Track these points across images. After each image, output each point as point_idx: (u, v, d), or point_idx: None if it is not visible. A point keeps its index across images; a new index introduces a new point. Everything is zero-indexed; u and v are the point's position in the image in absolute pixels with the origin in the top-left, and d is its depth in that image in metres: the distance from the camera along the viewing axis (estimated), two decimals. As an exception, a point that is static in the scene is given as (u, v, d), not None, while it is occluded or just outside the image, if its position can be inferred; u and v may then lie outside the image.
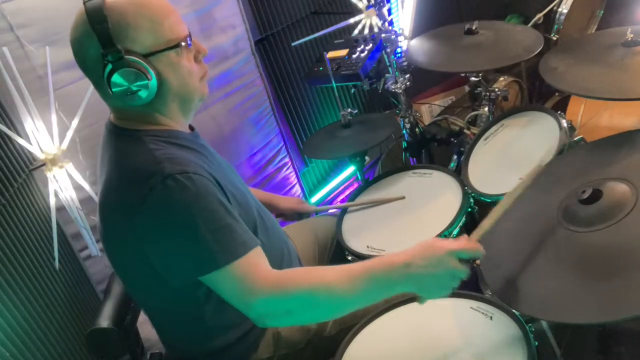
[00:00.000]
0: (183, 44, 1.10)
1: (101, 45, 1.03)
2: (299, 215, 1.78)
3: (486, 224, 1.10)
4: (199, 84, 1.16)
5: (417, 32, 2.59)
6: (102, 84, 1.07)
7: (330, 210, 1.90)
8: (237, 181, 1.28)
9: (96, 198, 1.68)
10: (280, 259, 1.34)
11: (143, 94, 1.06)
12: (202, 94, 1.18)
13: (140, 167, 1.06)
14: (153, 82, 1.06)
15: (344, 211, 1.75)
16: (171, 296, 1.16)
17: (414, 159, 2.29)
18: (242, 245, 1.05)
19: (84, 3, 1.04)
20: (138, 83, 1.05)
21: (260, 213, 1.31)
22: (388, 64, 2.08)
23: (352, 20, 2.40)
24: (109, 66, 1.03)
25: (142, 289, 1.21)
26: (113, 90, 1.05)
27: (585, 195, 1.06)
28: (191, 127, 1.26)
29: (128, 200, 1.05)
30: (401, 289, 1.07)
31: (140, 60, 1.05)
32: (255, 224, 1.22)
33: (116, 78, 1.04)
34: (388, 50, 2.03)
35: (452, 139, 2.21)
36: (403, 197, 1.70)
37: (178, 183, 1.02)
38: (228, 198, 1.11)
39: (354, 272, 1.05)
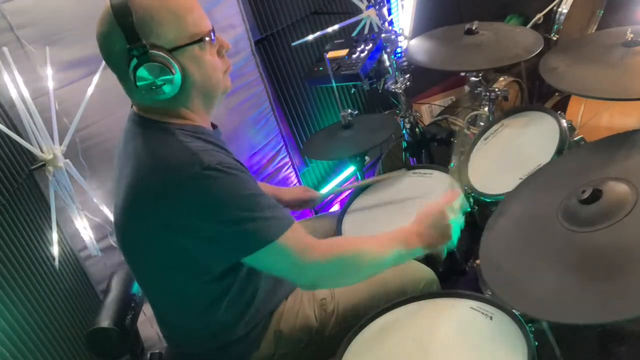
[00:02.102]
0: (207, 38, 1.11)
1: (126, 40, 1.03)
2: (305, 204, 1.78)
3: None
4: (222, 78, 1.17)
5: (417, 32, 2.59)
6: (126, 77, 1.07)
7: (330, 196, 1.89)
8: None
9: (96, 198, 1.70)
10: None
11: (167, 88, 1.07)
12: (225, 87, 1.19)
13: (176, 157, 1.06)
14: (177, 76, 1.07)
15: (344, 211, 1.75)
16: (188, 290, 1.18)
17: (414, 159, 2.29)
18: (288, 219, 1.12)
19: None
20: (162, 77, 1.05)
21: None
22: (388, 64, 2.08)
23: (352, 20, 2.40)
24: (134, 60, 1.04)
25: (159, 281, 1.21)
26: (138, 84, 1.06)
27: (586, 195, 1.06)
28: (213, 125, 1.26)
29: (164, 191, 1.05)
30: (418, 252, 1.27)
31: (165, 55, 1.05)
32: None
33: (141, 72, 1.04)
34: (388, 50, 2.03)
35: (452, 139, 2.21)
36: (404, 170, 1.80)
37: (219, 171, 1.04)
38: None
39: (384, 241, 1.24)
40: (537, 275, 1.04)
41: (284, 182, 2.53)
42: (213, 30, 1.13)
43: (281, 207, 1.13)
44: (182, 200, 1.04)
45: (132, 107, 1.19)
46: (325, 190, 2.61)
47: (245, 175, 1.10)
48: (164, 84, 1.06)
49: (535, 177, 1.34)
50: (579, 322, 0.96)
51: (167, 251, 1.11)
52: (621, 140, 1.26)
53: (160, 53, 1.05)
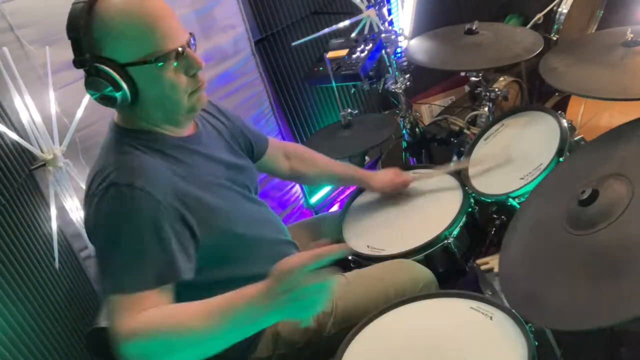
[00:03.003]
0: (180, 50, 1.07)
1: (73, 52, 1.05)
2: (399, 188, 1.67)
3: None
4: (187, 99, 1.12)
5: (417, 32, 2.59)
6: None
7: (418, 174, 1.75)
8: (233, 179, 1.28)
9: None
10: (275, 251, 1.33)
11: (116, 101, 1.07)
12: (191, 107, 1.14)
13: (101, 167, 1.08)
14: (124, 92, 1.06)
15: (344, 211, 1.75)
16: None
17: (414, 159, 2.29)
18: (139, 280, 1.00)
19: (72, 5, 1.05)
20: (108, 92, 1.05)
21: (254, 207, 1.33)
22: (388, 64, 2.08)
23: (352, 20, 2.40)
24: (83, 71, 1.06)
25: None
26: (88, 93, 1.08)
27: (584, 197, 1.06)
28: (197, 125, 1.26)
29: (87, 198, 1.10)
30: (268, 319, 0.97)
31: (110, 71, 1.04)
32: (230, 218, 1.21)
33: (88, 84, 1.06)
34: (388, 50, 2.03)
35: (452, 139, 2.21)
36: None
37: (118, 193, 1.03)
38: (183, 214, 1.08)
39: (213, 309, 0.97)
40: (552, 286, 1.04)
41: (284, 181, 2.52)
42: (184, 46, 1.08)
43: (155, 262, 1.01)
44: (90, 211, 1.07)
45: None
46: (320, 204, 2.60)
47: (147, 208, 1.03)
48: (111, 97, 1.06)
49: (541, 188, 1.34)
50: (594, 326, 0.94)
51: None
52: (614, 136, 1.26)
53: (106, 68, 1.04)
